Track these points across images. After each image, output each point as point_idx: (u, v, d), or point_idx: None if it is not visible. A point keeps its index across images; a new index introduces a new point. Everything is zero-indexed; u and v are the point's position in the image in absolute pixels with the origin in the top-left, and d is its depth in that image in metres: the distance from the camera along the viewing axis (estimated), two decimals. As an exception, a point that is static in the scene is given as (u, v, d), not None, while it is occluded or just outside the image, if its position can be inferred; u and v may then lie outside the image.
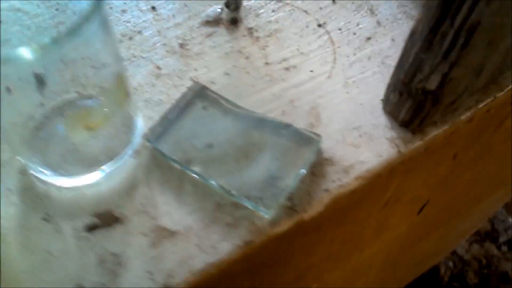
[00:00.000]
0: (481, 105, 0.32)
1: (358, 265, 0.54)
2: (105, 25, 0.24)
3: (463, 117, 0.31)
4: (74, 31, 0.20)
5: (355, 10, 0.37)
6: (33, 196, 0.27)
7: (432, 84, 0.27)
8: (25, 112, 0.29)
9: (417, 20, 0.26)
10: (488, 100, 0.32)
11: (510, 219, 1.45)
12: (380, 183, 0.32)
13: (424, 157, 0.33)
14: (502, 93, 0.32)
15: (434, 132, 0.31)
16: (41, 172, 0.27)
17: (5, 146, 0.29)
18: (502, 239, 1.39)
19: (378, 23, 0.36)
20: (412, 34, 0.26)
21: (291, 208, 0.27)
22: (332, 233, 0.35)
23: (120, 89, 0.25)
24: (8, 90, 0.26)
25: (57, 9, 0.32)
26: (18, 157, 0.28)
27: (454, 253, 1.35)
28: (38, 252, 0.25)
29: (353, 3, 0.37)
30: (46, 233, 0.26)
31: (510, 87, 0.33)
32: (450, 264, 1.35)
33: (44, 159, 0.27)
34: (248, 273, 0.30)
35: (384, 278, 0.79)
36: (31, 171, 0.27)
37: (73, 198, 0.27)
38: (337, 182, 0.28)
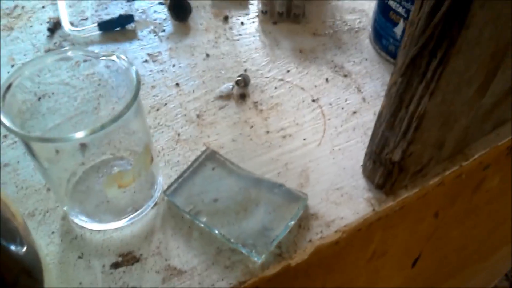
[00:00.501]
0: (448, 172, 0.37)
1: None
2: (139, 107, 0.31)
3: (431, 182, 0.37)
4: (118, 118, 0.27)
5: (344, 88, 0.44)
6: (72, 238, 0.33)
7: (396, 156, 0.32)
8: (69, 169, 0.36)
9: (382, 105, 0.32)
10: (455, 168, 0.38)
11: (530, 278, 1.42)
12: (361, 236, 0.37)
13: (401, 214, 0.38)
14: (467, 162, 0.38)
15: (405, 194, 0.36)
16: (79, 218, 0.34)
17: (50, 196, 0.36)
18: (522, 298, 1.36)
19: (364, 99, 0.43)
20: (379, 116, 0.33)
21: (279, 255, 0.33)
22: (322, 279, 0.40)
23: (147, 155, 0.32)
24: (57, 151, 0.33)
25: (99, 84, 0.40)
26: (61, 206, 0.35)
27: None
28: (72, 284, 0.31)
29: (343, 81, 0.44)
30: (80, 268, 0.32)
31: (475, 156, 0.38)
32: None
33: (82, 208, 0.34)
34: (243, 311, 0.35)
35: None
36: (71, 218, 0.34)
37: (103, 240, 0.33)
38: (320, 234, 0.34)
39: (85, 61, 0.34)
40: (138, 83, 0.29)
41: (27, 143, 0.29)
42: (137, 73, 0.30)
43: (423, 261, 0.55)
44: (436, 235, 0.50)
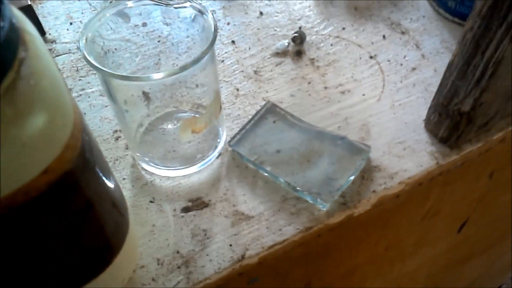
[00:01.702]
0: (511, 128, 0.37)
1: (400, 277, 0.58)
2: (213, 53, 0.32)
3: (495, 137, 0.36)
4: (197, 61, 0.28)
5: (402, 45, 0.43)
6: (142, 184, 0.35)
7: (466, 106, 0.32)
8: (136, 120, 0.37)
9: (453, 54, 0.32)
10: (519, 123, 0.37)
11: None
12: (420, 191, 0.37)
13: (461, 171, 0.38)
14: (532, 118, 0.37)
15: (469, 148, 0.36)
16: (149, 165, 0.35)
17: (119, 145, 0.37)
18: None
19: (423, 56, 0.42)
20: (450, 65, 0.32)
21: (343, 203, 0.33)
22: (377, 235, 0.41)
23: (217, 102, 0.32)
24: (125, 102, 0.34)
25: (158, 41, 0.40)
26: (133, 153, 0.36)
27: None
28: (146, 225, 0.32)
29: (400, 39, 0.43)
30: (152, 212, 0.33)
31: (540, 113, 0.38)
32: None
33: (150, 156, 0.35)
34: (304, 259, 0.36)
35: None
36: (141, 165, 0.35)
37: (172, 186, 0.34)
38: (383, 185, 0.34)
39: (149, 13, 0.35)
40: (215, 27, 0.30)
41: (108, 83, 0.29)
42: (213, 17, 0.30)
43: (469, 226, 0.55)
44: (487, 198, 0.50)
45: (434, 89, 0.37)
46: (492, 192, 0.49)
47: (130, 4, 0.34)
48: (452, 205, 0.45)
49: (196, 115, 0.35)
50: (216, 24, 0.30)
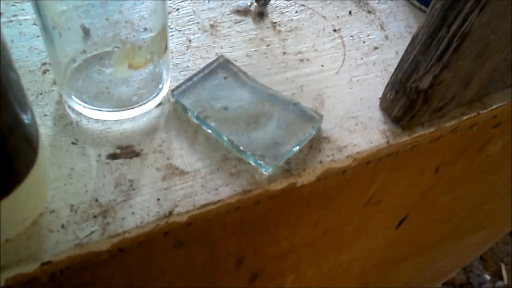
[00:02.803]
0: (465, 118, 0.36)
1: (335, 269, 0.57)
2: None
3: (448, 125, 0.36)
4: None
5: (367, 23, 0.42)
6: (66, 123, 0.30)
7: (425, 83, 0.31)
8: (69, 55, 0.33)
9: (419, 27, 0.30)
10: (472, 114, 0.36)
11: (486, 275, 1.48)
12: (367, 171, 0.36)
13: (409, 157, 0.37)
14: (485, 111, 0.37)
15: (421, 132, 0.35)
16: (77, 103, 0.31)
17: (45, 79, 0.33)
18: (475, 293, 1.41)
19: (386, 37, 0.41)
20: (414, 39, 0.31)
21: (287, 170, 0.31)
22: (317, 214, 0.39)
23: (163, 38, 0.29)
24: (60, 34, 0.30)
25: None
26: (59, 88, 0.31)
27: (427, 298, 1.37)
28: (63, 168, 0.28)
29: (366, 17, 0.42)
30: (73, 154, 0.29)
31: (493, 107, 0.37)
32: (422, 310, 1.37)
33: (79, 94, 0.31)
34: (238, 228, 0.33)
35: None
36: (68, 102, 0.31)
37: (100, 130, 0.30)
38: (331, 157, 0.32)
39: None
40: None
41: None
42: None
43: (408, 223, 0.55)
44: (429, 196, 0.50)
45: (393, 70, 0.35)
46: (435, 189, 0.48)
47: None
48: (395, 196, 0.45)
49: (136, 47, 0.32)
50: None
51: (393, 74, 0.34)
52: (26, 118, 0.22)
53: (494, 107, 0.37)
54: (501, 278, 1.46)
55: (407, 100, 0.33)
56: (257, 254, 0.40)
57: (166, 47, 0.30)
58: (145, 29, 0.32)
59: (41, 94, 0.31)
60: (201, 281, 0.39)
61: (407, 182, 0.43)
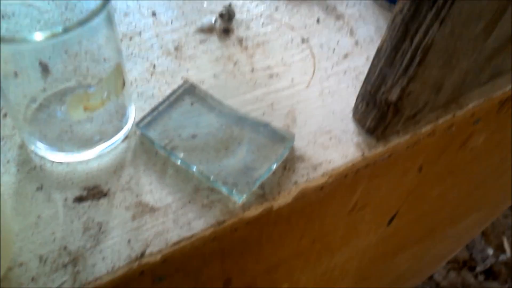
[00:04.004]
0: (441, 121, 0.35)
1: (330, 271, 0.57)
2: (110, 20, 0.27)
3: (424, 130, 0.35)
4: (83, 22, 0.24)
5: (336, 30, 0.41)
6: (29, 168, 0.30)
7: (393, 96, 0.30)
8: (28, 94, 0.32)
9: (382, 39, 0.29)
10: (448, 116, 0.36)
11: (488, 249, 1.48)
12: (346, 184, 0.35)
13: (388, 164, 0.37)
14: (461, 111, 0.36)
15: (397, 141, 0.34)
16: (38, 147, 0.30)
17: (6, 123, 0.32)
18: (479, 268, 1.42)
19: (356, 43, 0.40)
20: (378, 51, 0.30)
21: (262, 196, 0.30)
22: (301, 229, 0.38)
23: (117, 76, 0.28)
24: (16, 74, 0.29)
25: (66, 8, 0.35)
26: (19, 134, 0.31)
27: (431, 278, 1.38)
28: (29, 217, 0.28)
29: (335, 24, 0.41)
30: (38, 201, 0.28)
31: (469, 106, 0.37)
32: (427, 289, 1.38)
33: (42, 136, 0.30)
34: (219, 255, 0.32)
35: (357, 293, 0.81)
36: (29, 146, 0.30)
37: (65, 172, 0.30)
38: (306, 176, 0.31)
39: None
40: (111, -14, 0.25)
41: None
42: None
43: (399, 219, 0.55)
44: (416, 192, 0.49)
45: (364, 77, 0.34)
46: (422, 186, 0.48)
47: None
48: (381, 199, 0.44)
49: (90, 90, 0.31)
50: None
51: (362, 86, 0.33)
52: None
53: (470, 106, 0.37)
54: (504, 252, 1.47)
55: (378, 112, 0.32)
56: (244, 273, 0.40)
57: (123, 83, 0.29)
58: (105, 59, 0.31)
59: (2, 139, 0.31)
60: (190, 305, 0.39)
61: (391, 185, 0.43)
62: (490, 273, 1.44)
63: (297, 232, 0.39)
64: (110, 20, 0.27)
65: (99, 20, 0.25)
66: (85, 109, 0.27)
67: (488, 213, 0.88)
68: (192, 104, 0.33)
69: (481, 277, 1.43)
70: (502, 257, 1.45)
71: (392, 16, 0.28)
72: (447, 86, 0.33)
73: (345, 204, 0.40)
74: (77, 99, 0.27)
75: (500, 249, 1.47)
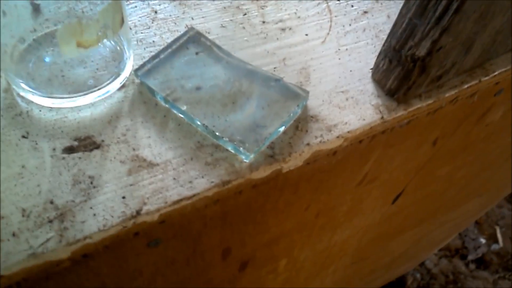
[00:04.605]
0: (465, 86, 0.33)
1: (329, 248, 0.55)
2: None
3: (447, 95, 0.32)
4: None
5: (355, -15, 0.37)
6: (15, 114, 0.27)
7: (422, 50, 0.27)
8: (17, 34, 0.28)
9: (414, -15, 0.26)
10: (473, 82, 0.33)
11: (481, 238, 1.48)
12: (360, 150, 0.32)
13: (406, 132, 0.34)
14: (487, 77, 0.33)
15: (418, 105, 0.31)
16: (26, 91, 0.27)
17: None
18: (471, 257, 1.42)
19: (376, -1, 0.37)
20: (407, 0, 0.27)
21: (271, 156, 0.27)
22: (308, 198, 0.36)
23: (116, 12, 0.24)
24: (4, 13, 0.26)
25: None
26: (5, 76, 0.27)
27: (422, 265, 1.37)
28: (13, 166, 0.25)
29: (354, -22, 0.38)
30: (23, 149, 0.25)
31: (495, 73, 0.34)
32: (418, 275, 1.37)
33: (30, 79, 0.27)
34: (221, 220, 0.30)
35: (352, 275, 0.80)
36: (16, 89, 0.27)
37: (55, 120, 0.27)
38: (319, 138, 0.29)
39: None
40: None
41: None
42: None
43: (404, 198, 0.52)
44: (426, 169, 0.47)
45: (385, 36, 0.31)
46: (433, 162, 0.45)
47: None
48: (391, 172, 0.42)
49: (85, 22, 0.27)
50: None
51: (386, 41, 0.30)
52: None
53: (496, 73, 0.34)
54: (496, 241, 1.47)
55: (402, 70, 0.29)
56: (244, 244, 0.37)
57: (122, 20, 0.26)
58: (102, 1, 0.28)
59: (-16, 81, 0.27)
60: (185, 274, 0.36)
61: (403, 158, 0.40)
62: (481, 262, 1.44)
63: (303, 201, 0.36)
64: None
65: None
66: (78, 45, 0.24)
67: (488, 200, 0.87)
68: (197, 53, 0.30)
69: (472, 266, 1.43)
70: (494, 247, 1.45)
71: (428, -44, 0.25)
72: (477, 45, 0.30)
73: (355, 175, 0.37)
74: (70, 31, 0.23)
75: (492, 238, 1.46)
